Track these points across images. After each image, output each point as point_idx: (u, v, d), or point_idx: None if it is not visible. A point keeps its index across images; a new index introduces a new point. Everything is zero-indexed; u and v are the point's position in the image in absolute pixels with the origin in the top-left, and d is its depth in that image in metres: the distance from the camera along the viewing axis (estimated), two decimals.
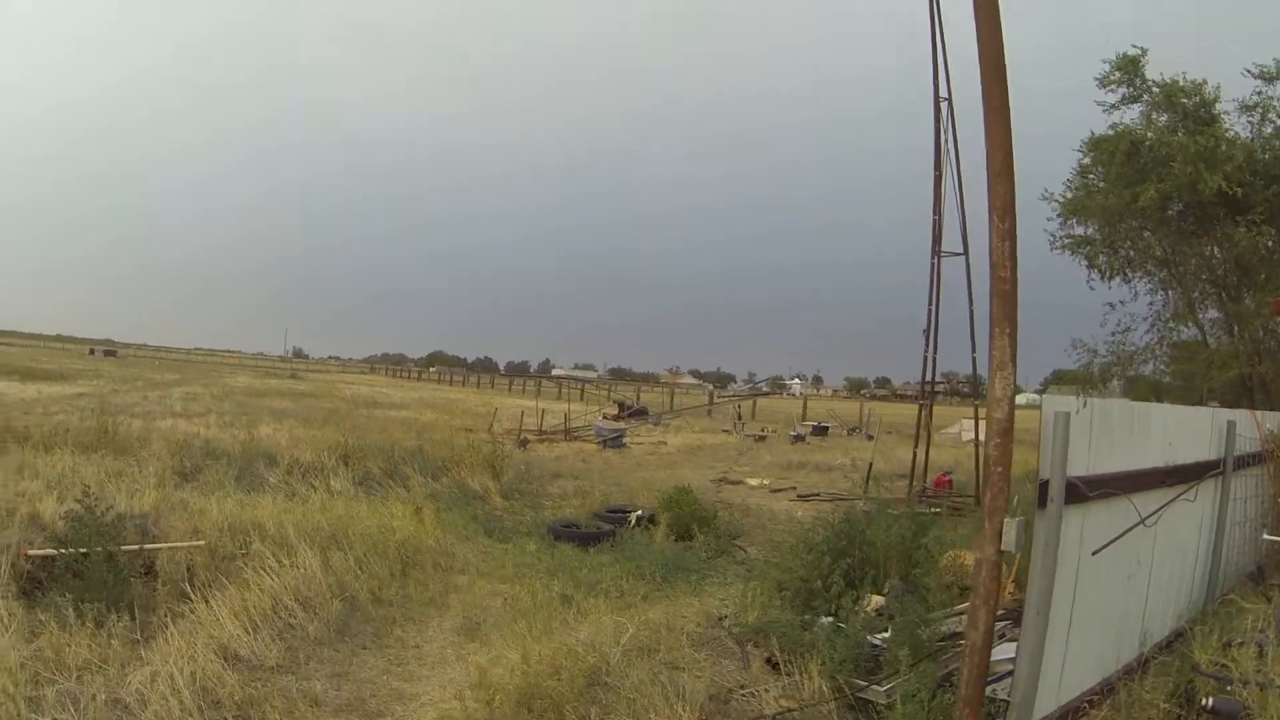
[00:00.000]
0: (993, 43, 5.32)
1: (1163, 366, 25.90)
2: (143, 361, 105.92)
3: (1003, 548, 5.32)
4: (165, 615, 8.83)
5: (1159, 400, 16.77)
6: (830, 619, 9.23)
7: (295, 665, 8.45)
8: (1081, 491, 6.11)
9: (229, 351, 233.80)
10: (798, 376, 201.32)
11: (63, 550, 9.24)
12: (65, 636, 7.85)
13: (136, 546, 10.05)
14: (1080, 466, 6.13)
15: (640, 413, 52.30)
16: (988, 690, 5.76)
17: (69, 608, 8.21)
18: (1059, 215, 25.16)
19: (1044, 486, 5.79)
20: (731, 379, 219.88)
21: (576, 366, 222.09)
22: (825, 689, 7.56)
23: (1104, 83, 23.85)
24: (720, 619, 10.59)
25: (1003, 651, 6.87)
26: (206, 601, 9.01)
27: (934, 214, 21.46)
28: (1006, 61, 5.36)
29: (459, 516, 15.60)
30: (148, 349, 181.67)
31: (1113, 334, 25.38)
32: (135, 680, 7.23)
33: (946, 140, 21.24)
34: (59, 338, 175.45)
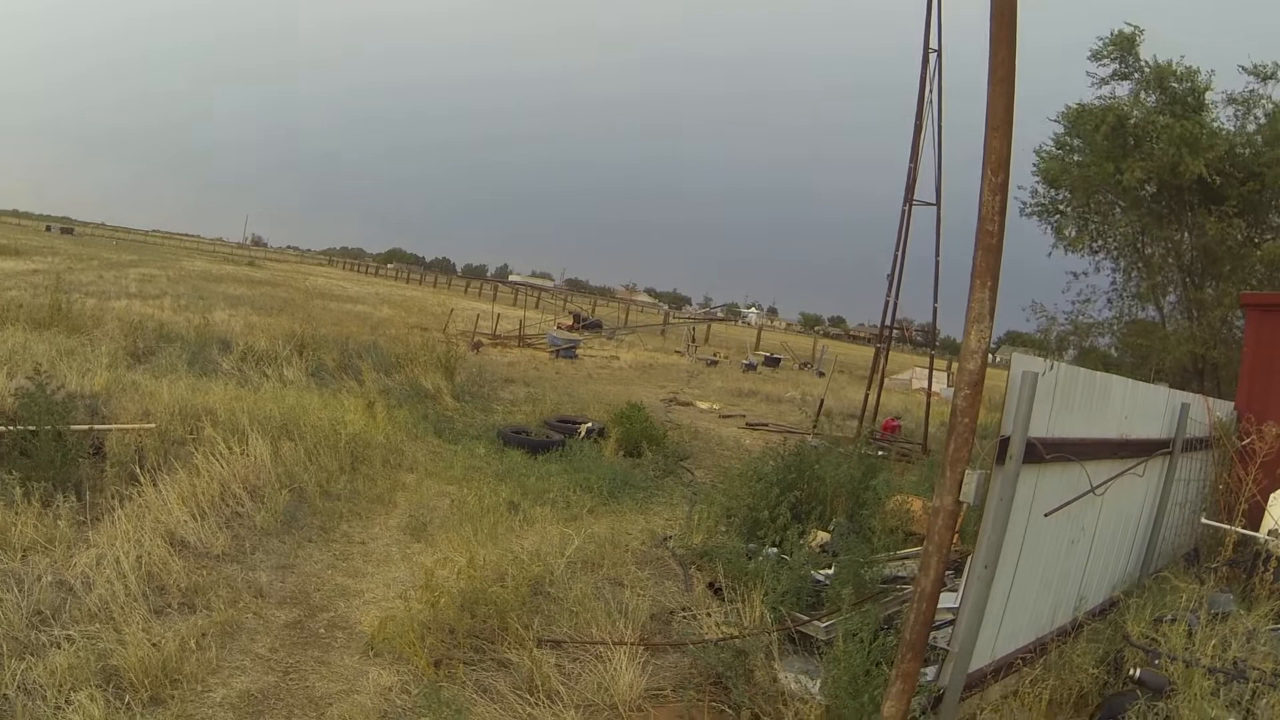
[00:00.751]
0: None
1: (1117, 340, 26.25)
2: (100, 241, 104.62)
3: (961, 499, 5.38)
4: (113, 498, 8.80)
5: (1108, 373, 17.06)
6: (775, 550, 9.32)
7: (241, 554, 8.46)
8: (1039, 452, 6.17)
9: (187, 235, 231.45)
10: (754, 306, 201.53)
11: (11, 427, 9.16)
12: (11, 515, 7.83)
13: (86, 426, 10.01)
14: (1040, 428, 6.18)
15: (595, 325, 52.44)
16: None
17: (15, 486, 8.15)
18: (1034, 182, 25.32)
19: (1004, 443, 5.83)
20: (687, 301, 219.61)
21: (534, 274, 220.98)
22: (767, 618, 7.65)
23: (1096, 56, 23.97)
24: (665, 539, 10.70)
25: (942, 600, 6.98)
26: (155, 485, 8.99)
27: (910, 162, 21.39)
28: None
29: (410, 414, 15.60)
30: (105, 228, 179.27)
31: (1073, 303, 25.71)
32: (81, 562, 7.23)
33: (931, 91, 21.13)
34: (14, 213, 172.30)
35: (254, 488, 9.82)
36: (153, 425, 10.81)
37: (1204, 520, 10.79)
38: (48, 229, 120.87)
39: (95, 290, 29.00)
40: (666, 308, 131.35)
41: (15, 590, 6.58)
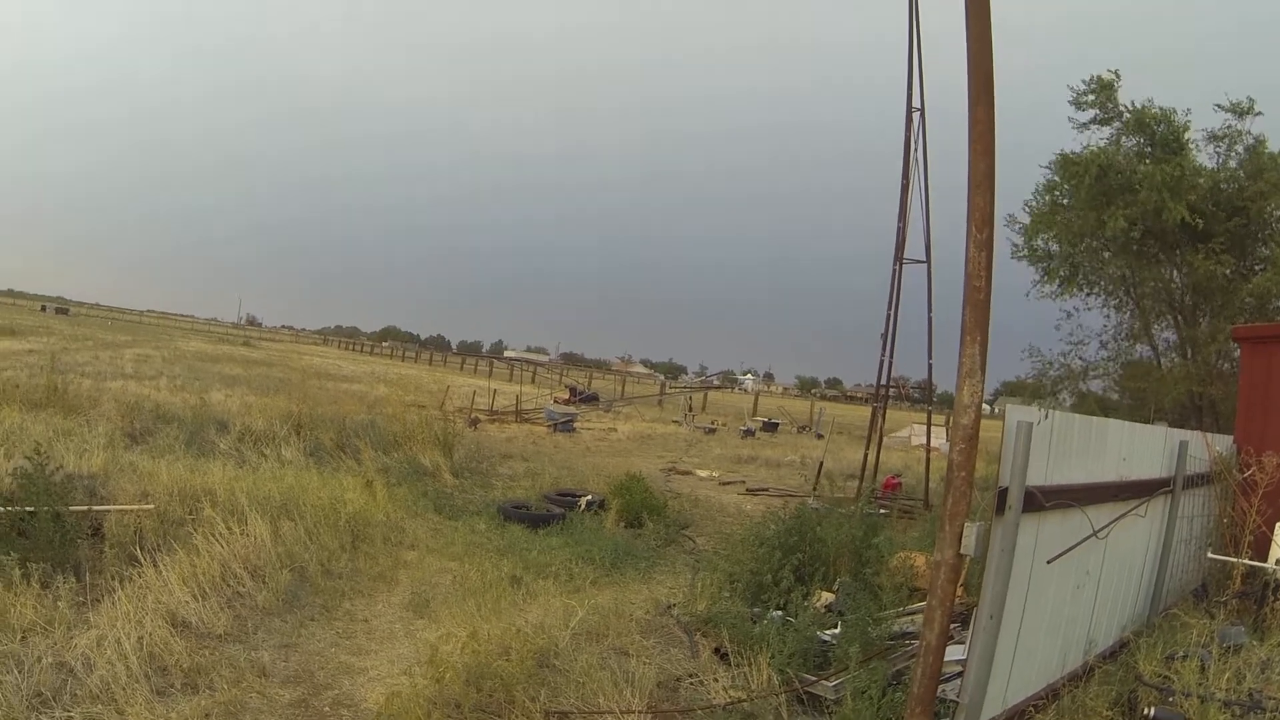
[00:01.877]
0: (982, 55, 5.35)
1: (1113, 383, 26.35)
2: (95, 321, 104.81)
3: (962, 552, 5.37)
4: (113, 578, 8.72)
5: (1106, 417, 17.11)
6: (780, 613, 9.28)
7: (244, 634, 8.38)
8: (1038, 501, 6.17)
9: (182, 315, 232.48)
10: (750, 372, 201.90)
11: (9, 507, 9.11)
12: (10, 596, 7.75)
13: (85, 507, 9.94)
14: (1038, 476, 6.19)
15: (592, 398, 52.37)
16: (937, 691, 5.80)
17: (14, 567, 8.09)
18: (1022, 233, 25.57)
19: (1002, 494, 5.84)
20: (683, 370, 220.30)
21: (529, 349, 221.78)
22: (775, 681, 7.61)
23: (1077, 103, 24.27)
24: (669, 607, 10.64)
25: (949, 653, 6.94)
26: (155, 566, 8.91)
27: (899, 221, 21.54)
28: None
29: (409, 492, 15.54)
30: (100, 309, 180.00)
31: (1068, 345, 25.85)
32: (82, 643, 7.14)
33: (916, 150, 21.32)
34: (10, 293, 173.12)
35: (255, 567, 9.76)
36: (151, 506, 10.77)
37: (1210, 555, 10.81)
38: (43, 309, 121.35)
39: (91, 371, 29.03)
40: (663, 378, 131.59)
41: (15, 672, 6.52)
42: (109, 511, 10.35)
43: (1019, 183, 26.54)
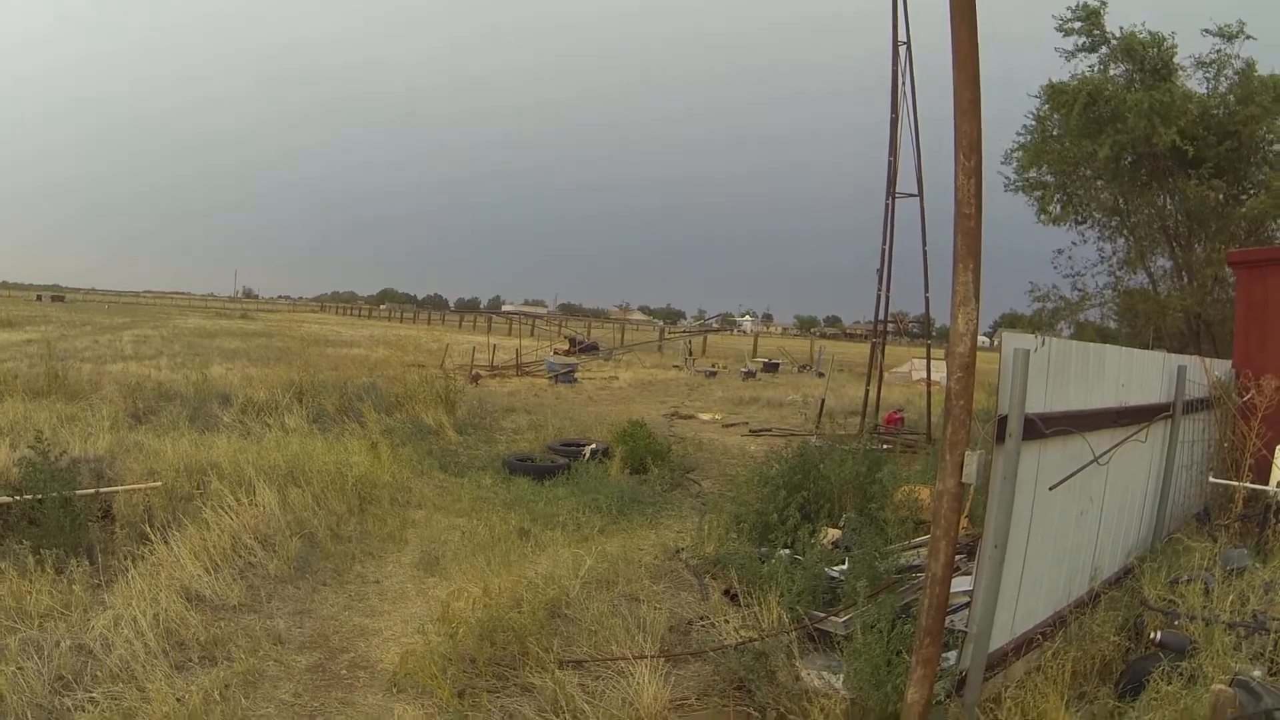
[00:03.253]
0: None
1: (1111, 312, 26.38)
2: (91, 306, 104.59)
3: (964, 480, 5.41)
4: (125, 558, 8.80)
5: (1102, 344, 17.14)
6: (787, 551, 9.35)
7: (258, 604, 8.46)
8: (1038, 428, 6.21)
9: (178, 293, 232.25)
10: (749, 313, 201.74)
11: (18, 497, 9.14)
12: (25, 584, 7.82)
13: (93, 490, 9.98)
14: (1038, 404, 6.22)
15: (591, 348, 52.39)
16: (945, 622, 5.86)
17: (27, 555, 8.14)
18: (1016, 161, 25.50)
19: (1002, 422, 5.87)
20: (682, 315, 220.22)
21: (527, 303, 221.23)
22: (785, 619, 7.68)
23: (1063, 29, 24.08)
24: (677, 551, 10.72)
25: (957, 584, 6.99)
26: (166, 543, 8.98)
27: (889, 155, 21.47)
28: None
29: (414, 451, 15.60)
30: (96, 293, 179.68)
31: (1065, 277, 25.88)
32: (99, 625, 7.20)
33: (904, 83, 21.22)
34: (4, 285, 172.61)
35: (265, 537, 9.83)
36: (159, 483, 10.84)
37: (1211, 479, 10.86)
38: (38, 298, 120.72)
39: (91, 355, 29.01)
40: (662, 324, 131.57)
41: (36, 657, 6.57)
42: (117, 492, 10.41)
43: (1008, 111, 26.47)
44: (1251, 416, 10.84)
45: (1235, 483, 10.51)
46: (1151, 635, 6.64)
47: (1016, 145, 25.69)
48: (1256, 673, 5.81)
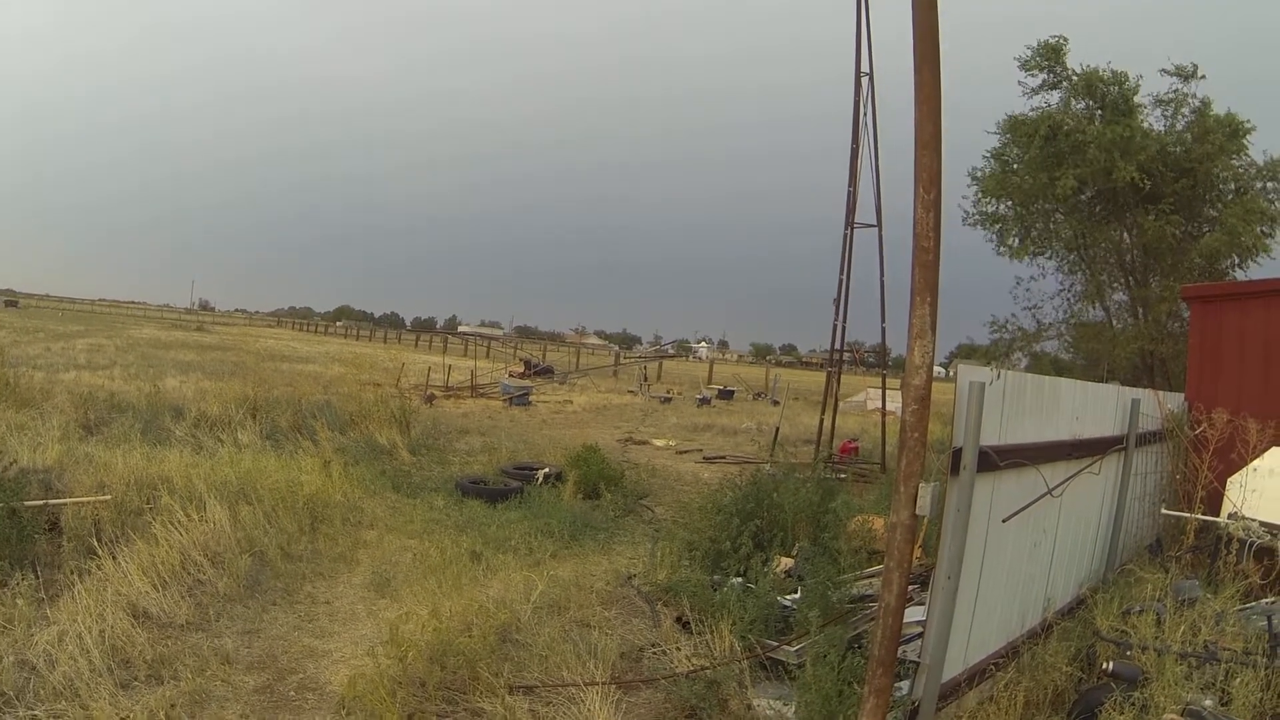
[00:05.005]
0: (928, 14, 5.37)
1: (1066, 345, 26.67)
2: (45, 312, 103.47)
3: (917, 512, 5.42)
4: (72, 573, 8.64)
5: (1060, 377, 17.33)
6: (740, 580, 9.35)
7: (206, 622, 8.37)
8: (993, 460, 6.24)
9: (134, 303, 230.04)
10: (704, 340, 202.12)
11: None
12: None
13: (41, 502, 9.86)
14: (992, 436, 6.25)
15: (546, 371, 52.47)
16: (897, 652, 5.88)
17: None
18: (976, 193, 25.72)
19: (957, 454, 5.90)
20: (638, 340, 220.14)
21: (483, 324, 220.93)
22: (737, 648, 7.68)
23: (1025, 67, 24.49)
24: (629, 578, 10.70)
25: (910, 615, 7.01)
26: (114, 558, 8.85)
27: (849, 186, 21.63)
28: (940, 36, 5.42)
29: (367, 471, 15.52)
30: (50, 299, 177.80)
31: (1024, 308, 26.15)
32: (42, 640, 7.09)
33: (866, 114, 21.40)
34: None
35: (214, 554, 9.72)
36: (108, 497, 10.70)
37: (1164, 511, 10.99)
38: None
39: (43, 363, 28.79)
40: (617, 348, 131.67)
41: None
42: (65, 505, 10.28)
43: (968, 143, 26.69)
44: (1204, 449, 10.97)
45: (1187, 514, 10.62)
46: (1104, 665, 6.70)
47: (974, 178, 25.96)
48: (1208, 702, 5.87)
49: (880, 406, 24.99)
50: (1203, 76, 23.39)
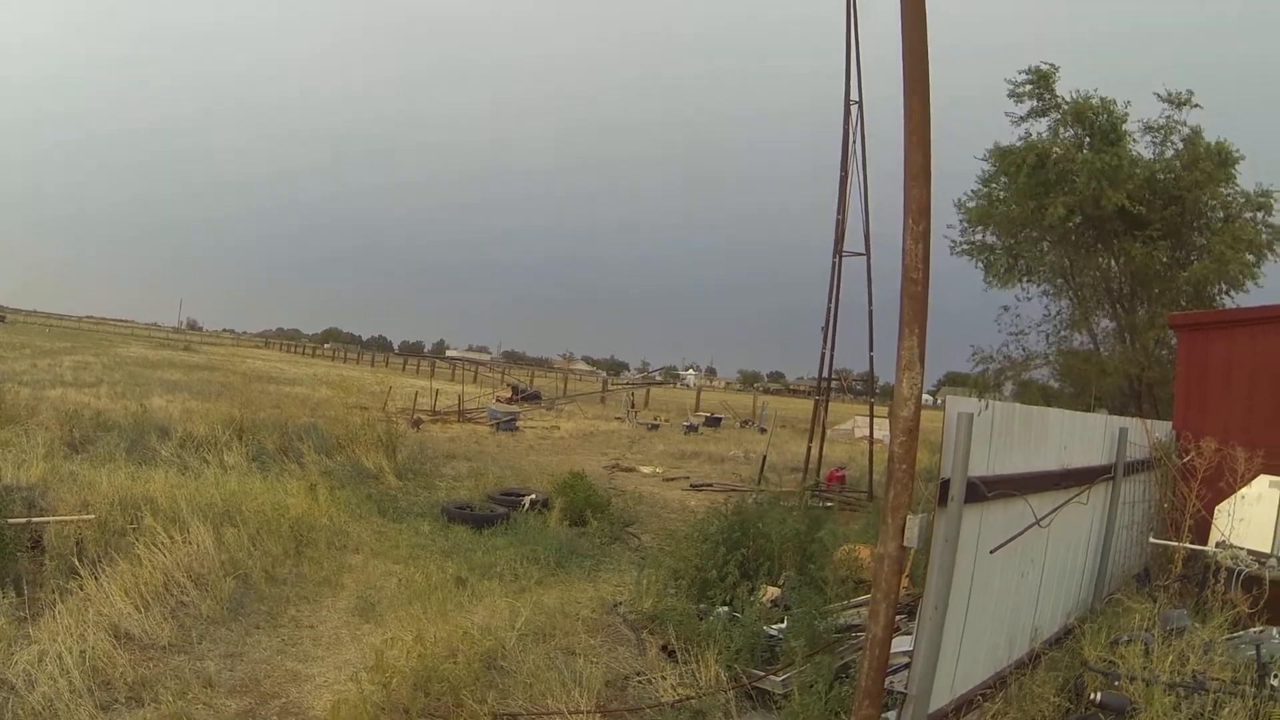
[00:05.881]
0: (917, 47, 5.38)
1: (1054, 372, 26.69)
2: (32, 328, 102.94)
3: (905, 544, 5.41)
4: (53, 592, 8.58)
5: (1048, 405, 17.39)
6: (726, 609, 9.31)
7: (188, 645, 8.30)
8: (981, 491, 6.23)
9: (122, 321, 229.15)
10: (692, 367, 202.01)
11: None
12: None
13: (23, 519, 9.80)
14: (980, 467, 6.24)
15: (534, 396, 52.35)
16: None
17: None
18: (963, 222, 25.76)
19: (945, 485, 5.88)
20: (626, 367, 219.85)
21: (471, 348, 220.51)
22: (722, 677, 7.64)
23: (1015, 94, 24.50)
24: (615, 605, 10.66)
25: (897, 644, 6.99)
26: (96, 578, 8.79)
27: (838, 214, 21.71)
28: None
29: (353, 495, 15.47)
30: (37, 315, 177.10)
31: (1010, 335, 26.16)
32: (22, 660, 7.04)
33: (854, 142, 21.47)
34: None
35: (198, 576, 9.66)
36: (92, 516, 10.63)
37: (1152, 540, 10.97)
38: None
39: (29, 379, 28.62)
40: (605, 375, 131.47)
41: None
42: (48, 523, 10.21)
43: (955, 169, 26.79)
44: (1191, 478, 10.96)
45: (1175, 543, 10.59)
46: (1091, 696, 6.66)
47: (962, 208, 26.05)
48: None
49: (868, 434, 24.99)
50: (1197, 105, 23.51)
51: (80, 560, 9.32)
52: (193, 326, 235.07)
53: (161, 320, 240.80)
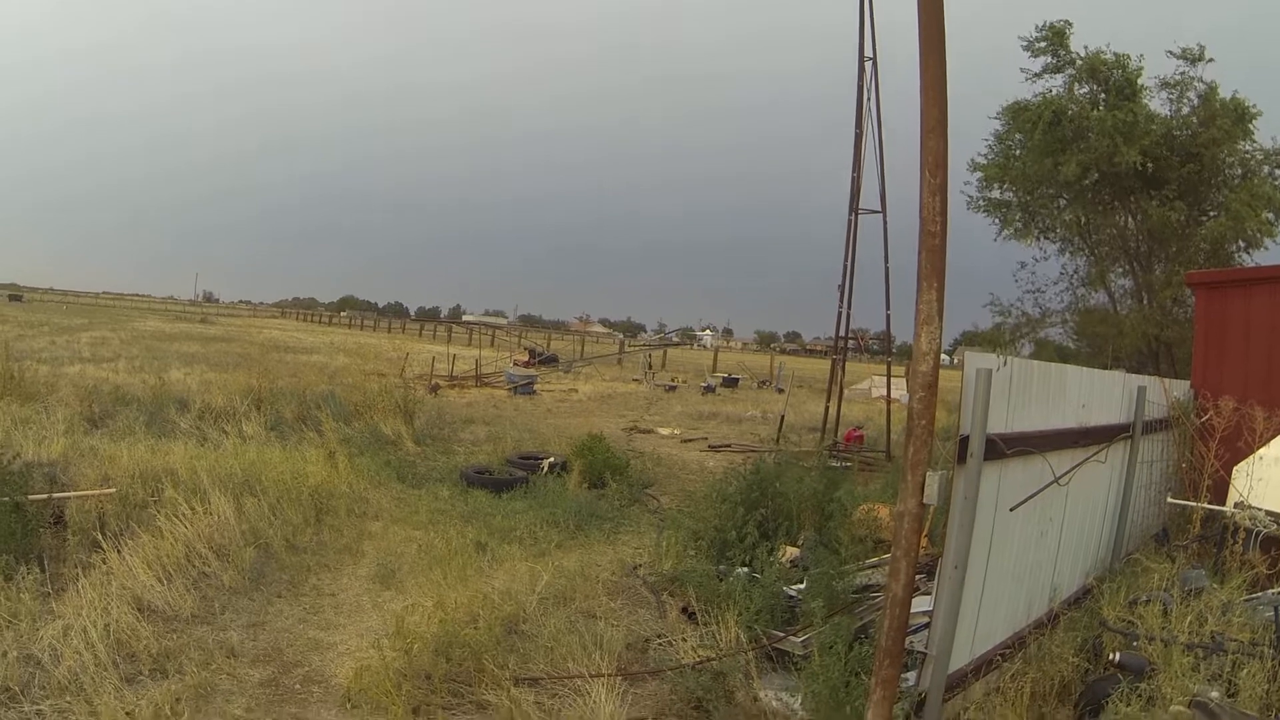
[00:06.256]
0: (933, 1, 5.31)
1: (1071, 331, 26.56)
2: (49, 306, 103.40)
3: (925, 500, 5.39)
4: (76, 566, 8.65)
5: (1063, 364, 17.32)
6: (745, 569, 9.30)
7: (211, 615, 8.34)
8: (1000, 448, 6.21)
9: (138, 295, 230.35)
10: (709, 328, 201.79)
11: None
12: None
13: (45, 496, 9.86)
14: (999, 424, 6.22)
15: (551, 360, 52.38)
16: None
17: None
18: (979, 180, 25.60)
19: (964, 442, 5.87)
20: (642, 328, 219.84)
21: (487, 313, 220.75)
22: (742, 639, 7.64)
23: (1030, 50, 24.24)
24: (635, 568, 10.69)
25: (916, 605, 6.98)
26: (119, 551, 8.81)
27: (853, 171, 21.58)
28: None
29: (372, 462, 15.46)
30: (54, 293, 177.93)
31: (1027, 292, 26.03)
32: (47, 635, 7.06)
33: (869, 99, 21.31)
34: None
35: (219, 547, 9.69)
36: (113, 490, 10.68)
37: (1170, 499, 10.95)
38: None
39: (48, 356, 28.75)
40: (622, 336, 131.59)
41: None
42: (70, 498, 10.25)
43: (973, 128, 26.62)
44: (1210, 437, 10.92)
45: (1193, 503, 10.57)
46: (1110, 656, 6.65)
47: (976, 166, 25.89)
48: (1215, 694, 5.82)
49: (885, 393, 24.95)
50: (1210, 60, 23.20)
51: (102, 534, 9.35)
52: (209, 299, 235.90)
53: (178, 294, 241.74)
